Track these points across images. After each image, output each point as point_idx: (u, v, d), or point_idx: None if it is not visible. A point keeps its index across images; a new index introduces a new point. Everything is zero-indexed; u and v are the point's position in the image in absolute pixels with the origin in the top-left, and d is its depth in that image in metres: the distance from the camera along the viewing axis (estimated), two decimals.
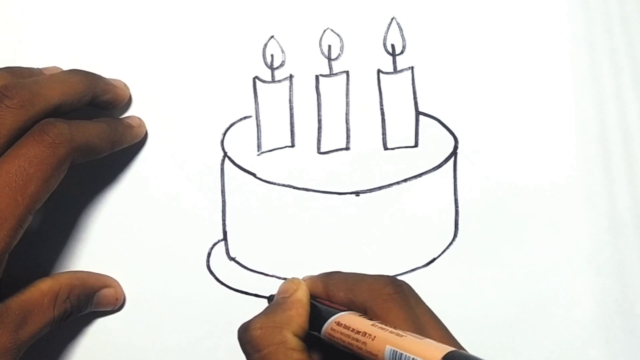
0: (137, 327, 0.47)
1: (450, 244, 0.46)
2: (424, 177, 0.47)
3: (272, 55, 0.47)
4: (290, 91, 0.47)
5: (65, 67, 0.46)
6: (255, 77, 0.47)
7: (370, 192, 0.47)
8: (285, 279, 0.46)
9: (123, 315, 0.47)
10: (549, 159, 0.46)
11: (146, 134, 0.47)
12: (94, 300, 0.45)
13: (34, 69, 0.44)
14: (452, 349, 0.32)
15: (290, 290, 0.40)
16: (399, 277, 0.46)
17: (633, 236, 0.46)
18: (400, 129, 0.47)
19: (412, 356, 0.33)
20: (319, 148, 0.47)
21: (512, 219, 0.46)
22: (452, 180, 0.47)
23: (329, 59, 0.47)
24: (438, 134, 0.47)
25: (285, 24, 0.47)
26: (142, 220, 0.47)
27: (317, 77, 0.47)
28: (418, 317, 0.37)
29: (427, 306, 0.38)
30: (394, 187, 0.47)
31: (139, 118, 0.47)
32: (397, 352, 0.33)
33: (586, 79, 0.46)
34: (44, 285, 0.42)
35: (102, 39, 0.48)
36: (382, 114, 0.47)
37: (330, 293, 0.39)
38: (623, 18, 0.46)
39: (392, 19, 0.47)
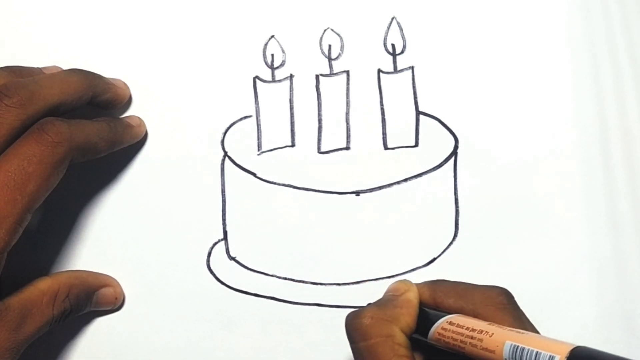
0: (137, 326, 0.47)
1: (450, 244, 0.46)
2: (424, 177, 0.47)
3: (272, 55, 0.47)
4: (290, 91, 0.47)
5: (65, 67, 0.46)
6: (256, 77, 0.47)
7: (370, 192, 0.47)
8: (285, 278, 0.47)
9: (122, 314, 0.47)
10: (549, 159, 0.46)
11: (146, 134, 0.47)
12: (93, 299, 0.45)
13: (33, 68, 0.44)
14: (577, 344, 0.32)
15: (401, 289, 0.41)
16: (398, 277, 0.46)
17: (633, 236, 0.46)
18: (401, 129, 0.47)
19: (535, 350, 0.32)
20: (319, 148, 0.47)
21: (512, 219, 0.46)
22: (452, 180, 0.47)
23: (329, 58, 0.47)
24: (438, 133, 0.47)
25: (285, 23, 0.47)
26: (142, 220, 0.47)
27: (317, 76, 0.47)
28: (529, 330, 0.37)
29: (533, 325, 0.38)
30: (394, 187, 0.47)
31: (138, 118, 0.47)
32: (518, 346, 0.33)
33: (586, 79, 0.46)
34: (44, 285, 0.42)
35: (102, 39, 0.48)
36: (382, 113, 0.47)
37: (439, 299, 0.40)
38: (623, 18, 0.46)
39: (392, 19, 0.47)
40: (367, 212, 0.47)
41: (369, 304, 0.41)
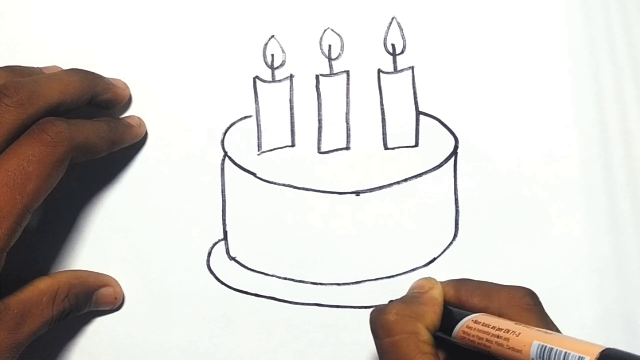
0: (136, 326, 0.47)
1: (450, 244, 0.46)
2: (424, 177, 0.47)
3: (272, 55, 0.47)
4: (290, 91, 0.47)
5: (65, 67, 0.46)
6: (256, 77, 0.47)
7: (370, 192, 0.47)
8: (285, 278, 0.47)
9: (122, 314, 0.47)
10: (548, 159, 0.46)
11: (146, 134, 0.47)
12: (92, 299, 0.45)
13: (33, 68, 0.44)
14: (608, 346, 0.31)
15: (425, 287, 0.41)
16: (399, 277, 0.46)
17: (633, 236, 0.46)
18: (401, 129, 0.47)
19: (564, 350, 0.32)
20: (319, 148, 0.47)
21: (512, 219, 0.46)
22: (452, 180, 0.47)
23: (330, 58, 0.47)
24: (438, 133, 0.47)
25: (285, 23, 0.47)
26: (142, 220, 0.47)
27: (317, 76, 0.47)
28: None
29: (557, 327, 0.38)
30: (394, 187, 0.47)
31: (138, 118, 0.47)
32: (546, 346, 0.33)
33: (586, 79, 0.46)
34: (43, 284, 0.42)
35: (102, 39, 0.48)
36: (382, 113, 0.47)
37: (463, 298, 0.40)
38: (623, 18, 0.46)
39: (392, 19, 0.47)
40: (367, 212, 0.47)
41: (391, 300, 0.41)
